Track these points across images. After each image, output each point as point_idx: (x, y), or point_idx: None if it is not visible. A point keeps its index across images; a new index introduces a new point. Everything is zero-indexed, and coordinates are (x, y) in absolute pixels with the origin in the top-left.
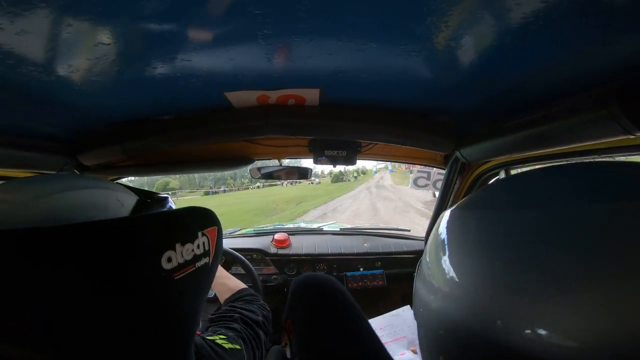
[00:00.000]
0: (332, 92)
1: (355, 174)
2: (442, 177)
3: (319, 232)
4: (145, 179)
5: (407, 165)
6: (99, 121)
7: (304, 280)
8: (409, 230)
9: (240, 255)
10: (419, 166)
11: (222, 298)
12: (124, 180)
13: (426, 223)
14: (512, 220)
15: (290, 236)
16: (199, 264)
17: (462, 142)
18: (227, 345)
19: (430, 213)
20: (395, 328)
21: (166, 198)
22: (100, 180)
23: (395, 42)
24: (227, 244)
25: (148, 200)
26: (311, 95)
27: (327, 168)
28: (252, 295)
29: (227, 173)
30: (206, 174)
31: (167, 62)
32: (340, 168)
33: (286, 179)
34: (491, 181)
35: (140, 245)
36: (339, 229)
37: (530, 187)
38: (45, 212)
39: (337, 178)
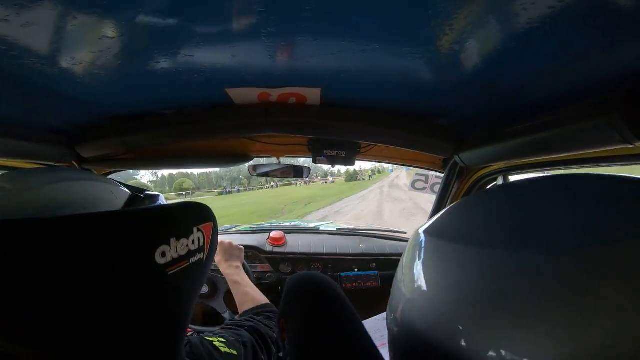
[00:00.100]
0: (333, 92)
1: (370, 173)
2: (440, 180)
3: (315, 231)
4: (165, 177)
5: None
6: (99, 114)
7: (299, 279)
8: (405, 233)
9: None
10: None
11: (242, 308)
12: (144, 178)
13: None
14: (476, 253)
15: (286, 234)
16: (193, 260)
17: (461, 146)
18: (224, 349)
19: None
20: (383, 332)
21: (157, 195)
22: (95, 175)
23: (399, 44)
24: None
25: (140, 195)
26: (312, 95)
27: (343, 167)
28: (273, 313)
29: (242, 173)
30: (222, 175)
31: (170, 57)
32: (355, 167)
33: (284, 177)
34: (464, 199)
35: (134, 239)
36: (335, 229)
37: (494, 213)
38: (41, 202)
39: (352, 177)
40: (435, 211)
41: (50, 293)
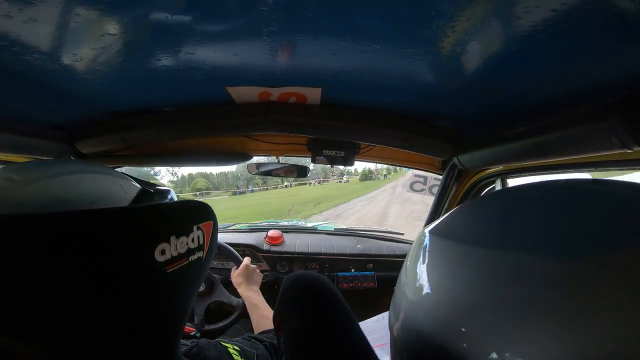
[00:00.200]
0: (333, 92)
1: (385, 172)
2: (438, 182)
3: (312, 231)
4: (185, 178)
5: None
6: (99, 110)
7: (295, 279)
8: (403, 234)
9: (233, 250)
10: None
11: (259, 329)
12: (164, 178)
13: None
14: (477, 254)
15: (284, 234)
16: (192, 258)
17: (460, 148)
18: (237, 358)
19: None
20: (377, 334)
21: (168, 190)
22: (105, 167)
23: (400, 45)
24: (221, 238)
25: (150, 190)
26: (313, 94)
27: (359, 166)
28: None
29: None
30: (239, 174)
31: (171, 54)
32: (371, 166)
33: (283, 176)
34: (472, 199)
35: (134, 236)
36: (333, 229)
37: (501, 216)
38: (48, 194)
39: (366, 176)
40: (433, 213)
41: (50, 291)
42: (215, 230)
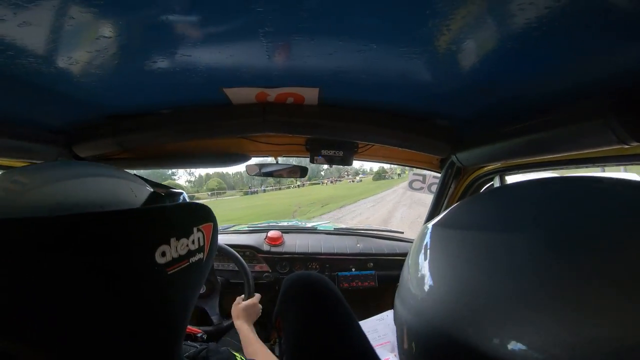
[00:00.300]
0: (331, 92)
1: (399, 171)
2: (437, 180)
3: (312, 231)
4: (202, 177)
5: None
6: (96, 113)
7: (296, 279)
8: (403, 232)
9: (234, 251)
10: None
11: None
12: (181, 178)
13: None
14: (484, 240)
15: (283, 234)
16: (193, 260)
17: (458, 146)
18: None
19: None
20: (380, 332)
21: (180, 193)
22: (116, 169)
23: (396, 44)
24: (220, 239)
25: (162, 193)
26: (310, 95)
27: (374, 165)
28: None
29: None
30: (253, 174)
31: (167, 56)
32: (385, 165)
33: (282, 177)
34: (473, 195)
35: (134, 238)
36: (332, 229)
37: (504, 206)
38: (57, 198)
39: (379, 176)
40: (432, 210)
41: (51, 294)
42: (215, 231)
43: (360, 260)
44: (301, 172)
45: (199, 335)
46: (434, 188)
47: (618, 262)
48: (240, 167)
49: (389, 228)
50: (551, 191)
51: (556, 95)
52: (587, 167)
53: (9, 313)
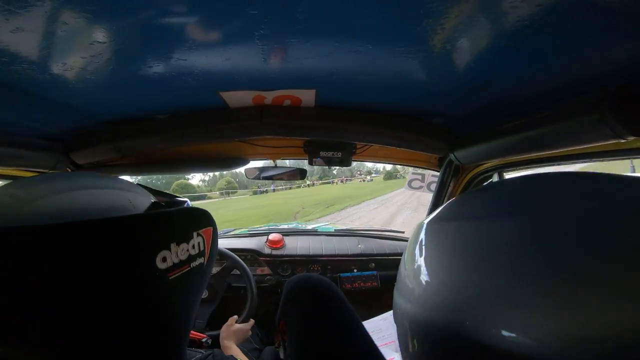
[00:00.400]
0: (328, 94)
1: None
2: (435, 179)
3: (313, 233)
4: (216, 177)
5: None
6: (92, 119)
7: (297, 281)
8: (404, 232)
9: (235, 256)
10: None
11: None
12: (194, 178)
13: None
14: (479, 231)
15: (284, 237)
16: (193, 264)
17: (456, 144)
18: None
19: None
20: (384, 332)
21: (184, 201)
22: (115, 180)
23: (392, 44)
24: (221, 244)
25: (163, 203)
26: (307, 96)
27: (387, 164)
28: None
29: None
30: None
31: (162, 61)
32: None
33: (281, 180)
34: (462, 193)
35: (134, 244)
36: (333, 230)
37: (497, 199)
38: (53, 211)
39: (390, 175)
40: (432, 210)
41: (52, 298)
42: (215, 236)
43: (361, 261)
44: (300, 174)
45: (203, 340)
46: (433, 187)
47: (606, 255)
48: (202, 173)
49: (389, 228)
50: (542, 185)
51: (552, 91)
52: (584, 162)
53: (10, 317)
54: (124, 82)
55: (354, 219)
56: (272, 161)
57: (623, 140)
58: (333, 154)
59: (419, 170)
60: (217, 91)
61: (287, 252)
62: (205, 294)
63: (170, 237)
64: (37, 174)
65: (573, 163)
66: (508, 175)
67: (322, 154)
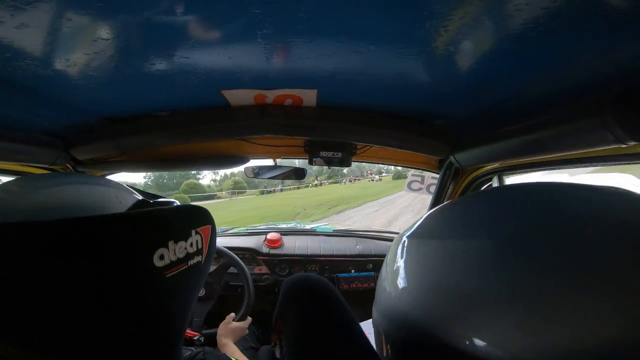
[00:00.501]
0: (329, 94)
1: None
2: (435, 181)
3: (311, 233)
4: (227, 176)
5: None
6: (94, 116)
7: (295, 281)
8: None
9: (233, 254)
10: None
11: None
12: (205, 178)
13: None
14: (453, 249)
15: (282, 236)
16: (191, 262)
17: (456, 147)
18: None
19: None
20: None
21: (171, 202)
22: (102, 179)
23: (394, 45)
24: (219, 242)
25: (149, 200)
26: (308, 96)
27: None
28: None
29: None
30: None
31: (165, 58)
32: None
33: (281, 179)
34: (440, 205)
35: (132, 242)
36: (331, 231)
37: (470, 215)
38: (40, 202)
39: (399, 175)
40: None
41: (49, 296)
42: (213, 234)
43: (359, 261)
44: (299, 174)
45: (195, 338)
46: (433, 189)
47: (577, 263)
48: (203, 170)
49: (386, 229)
50: (519, 197)
51: (553, 95)
52: (585, 166)
53: (10, 316)
54: (126, 79)
55: (351, 223)
56: (272, 160)
57: (624, 145)
58: (333, 154)
59: (419, 172)
60: (219, 89)
61: (285, 252)
62: (202, 292)
63: (168, 234)
64: (37, 169)
65: (573, 167)
66: (508, 179)
67: (322, 154)
